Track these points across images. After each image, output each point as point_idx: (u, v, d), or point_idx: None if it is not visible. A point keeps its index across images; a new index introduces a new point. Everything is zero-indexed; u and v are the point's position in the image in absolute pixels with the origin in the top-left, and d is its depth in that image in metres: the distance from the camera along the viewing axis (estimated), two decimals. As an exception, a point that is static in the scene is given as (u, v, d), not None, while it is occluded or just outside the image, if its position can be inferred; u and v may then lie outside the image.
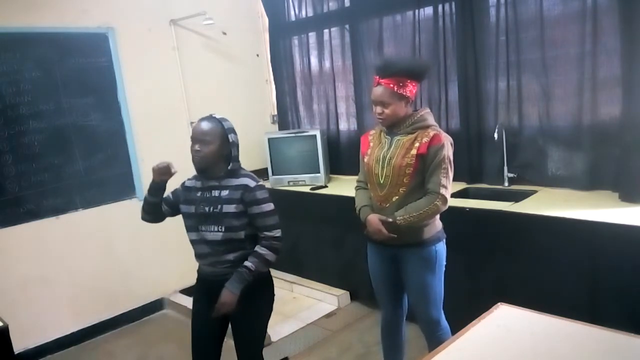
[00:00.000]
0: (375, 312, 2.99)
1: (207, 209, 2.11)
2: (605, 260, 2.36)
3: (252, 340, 2.24)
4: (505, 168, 3.17)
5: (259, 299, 2.20)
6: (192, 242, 2.20)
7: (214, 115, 2.15)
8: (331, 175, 4.26)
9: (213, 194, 2.12)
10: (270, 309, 2.29)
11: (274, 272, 4.76)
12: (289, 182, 4.18)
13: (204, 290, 2.23)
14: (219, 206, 2.09)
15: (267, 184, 4.28)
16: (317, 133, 4.04)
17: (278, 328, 3.50)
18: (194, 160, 2.10)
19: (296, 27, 4.39)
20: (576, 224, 2.44)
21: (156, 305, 3.97)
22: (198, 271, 2.28)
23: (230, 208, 2.08)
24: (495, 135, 3.06)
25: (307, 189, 3.99)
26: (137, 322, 3.85)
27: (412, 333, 2.69)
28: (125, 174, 3.78)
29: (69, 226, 3.52)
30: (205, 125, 2.09)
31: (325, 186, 4.03)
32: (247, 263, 2.08)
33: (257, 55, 4.67)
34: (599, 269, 2.39)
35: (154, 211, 2.32)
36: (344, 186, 3.80)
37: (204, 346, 2.26)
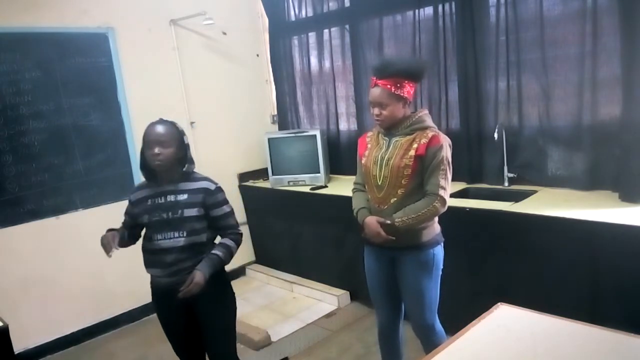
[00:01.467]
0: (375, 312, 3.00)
1: (164, 215, 2.08)
2: (605, 260, 2.36)
3: (224, 341, 2.25)
4: (505, 168, 3.17)
5: (223, 299, 2.23)
6: (145, 252, 2.18)
7: (164, 119, 2.14)
8: (331, 175, 4.26)
9: (169, 199, 2.09)
10: (235, 307, 2.30)
11: (274, 272, 4.79)
12: (289, 182, 4.18)
13: (166, 302, 2.18)
14: (179, 211, 2.07)
15: (267, 184, 4.29)
16: (317, 133, 4.04)
17: (278, 328, 3.50)
18: (153, 164, 2.07)
19: (296, 27, 4.39)
20: (576, 224, 2.44)
21: (156, 305, 3.97)
22: (152, 284, 2.24)
23: (192, 212, 2.07)
24: (495, 135, 3.06)
25: (307, 189, 3.99)
26: (137, 322, 3.85)
27: (411, 334, 2.68)
28: (125, 174, 3.77)
29: (69, 226, 3.52)
30: (162, 129, 2.07)
31: (325, 186, 4.03)
32: (215, 251, 2.10)
33: (257, 55, 4.67)
34: (599, 269, 2.39)
35: (128, 241, 2.27)
36: (344, 186, 3.80)
37: (188, 353, 2.30)
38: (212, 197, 2.11)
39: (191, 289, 2.03)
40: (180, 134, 2.12)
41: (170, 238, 2.08)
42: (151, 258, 2.16)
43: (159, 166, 2.07)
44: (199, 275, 2.04)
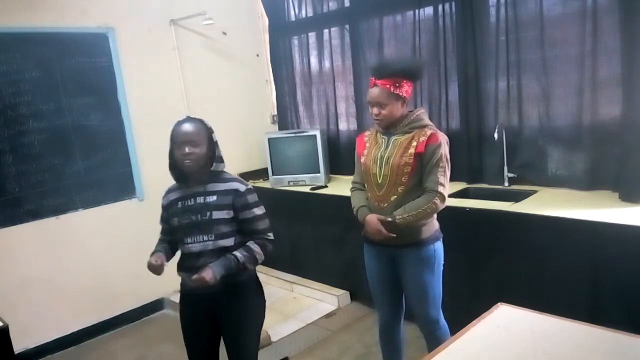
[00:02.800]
0: (375, 312, 3.00)
1: (193, 217, 2.01)
2: (605, 260, 2.36)
3: (244, 352, 2.14)
4: (505, 168, 3.17)
5: (249, 309, 2.12)
6: (182, 256, 2.11)
7: (192, 117, 2.07)
8: (331, 175, 4.26)
9: (198, 201, 2.02)
10: (262, 317, 2.20)
11: (274, 272, 4.77)
12: (289, 182, 4.18)
13: (192, 306, 2.13)
14: (208, 213, 1.99)
15: (267, 184, 4.29)
16: (317, 133, 4.04)
17: (278, 328, 3.50)
18: (184, 164, 1.98)
19: (296, 27, 4.39)
20: (576, 224, 2.44)
21: (156, 305, 3.97)
22: (182, 285, 2.17)
23: (222, 214, 2.00)
24: (495, 135, 3.06)
25: (307, 189, 3.99)
26: (137, 322, 3.85)
27: (411, 333, 2.69)
28: (125, 174, 3.77)
29: (69, 226, 3.52)
30: (191, 127, 1.98)
31: (325, 186, 4.03)
32: (236, 253, 1.99)
33: (257, 55, 4.68)
34: (599, 269, 2.39)
35: (172, 253, 2.18)
36: (344, 186, 3.79)
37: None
38: (242, 199, 2.02)
39: (195, 281, 1.92)
40: (209, 131, 2.04)
41: (200, 242, 2.01)
42: (183, 262, 2.09)
43: (189, 167, 1.98)
44: (208, 272, 1.92)
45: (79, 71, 3.52)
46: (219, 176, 2.07)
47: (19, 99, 3.27)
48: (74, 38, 3.50)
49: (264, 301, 2.22)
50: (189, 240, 2.04)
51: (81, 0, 3.54)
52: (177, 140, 1.99)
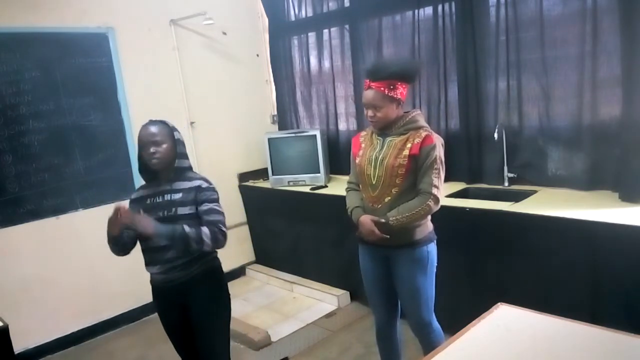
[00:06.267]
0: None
1: (160, 213, 2.10)
2: (605, 260, 2.36)
3: (216, 341, 2.22)
4: (505, 168, 3.17)
5: (217, 299, 2.21)
6: (144, 251, 2.19)
7: (153, 119, 2.16)
8: (331, 175, 4.26)
9: (165, 198, 2.13)
10: (229, 308, 2.28)
11: (274, 272, 4.77)
12: (289, 182, 4.18)
13: (164, 299, 2.23)
14: (173, 209, 2.10)
15: (267, 184, 4.29)
16: (317, 133, 4.04)
17: (278, 328, 3.50)
18: (151, 163, 2.09)
19: (296, 27, 4.39)
20: (576, 224, 2.44)
21: (156, 305, 3.97)
22: (152, 282, 2.26)
23: (185, 210, 2.09)
24: (495, 135, 3.06)
25: (307, 189, 3.99)
26: (137, 322, 3.85)
27: (409, 334, 2.69)
28: (125, 174, 3.77)
29: (69, 226, 3.52)
30: (154, 128, 2.10)
31: (325, 186, 4.03)
32: (184, 226, 2.04)
33: (257, 55, 4.67)
34: (599, 269, 2.39)
35: (123, 245, 2.17)
36: (344, 186, 3.79)
37: (187, 351, 2.29)
38: (202, 194, 2.12)
39: (129, 217, 1.98)
40: (171, 130, 2.14)
41: None
42: (150, 256, 2.18)
43: (157, 164, 2.09)
44: (147, 220, 1.99)
45: (79, 71, 3.52)
46: (186, 175, 2.17)
47: (19, 99, 3.27)
48: (74, 38, 3.50)
49: (228, 293, 2.29)
50: None
51: (81, 0, 3.54)
52: (142, 142, 2.10)
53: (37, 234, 3.40)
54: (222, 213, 2.15)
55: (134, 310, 3.84)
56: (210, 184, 2.19)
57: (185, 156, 2.18)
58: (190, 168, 2.22)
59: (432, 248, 2.29)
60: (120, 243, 2.15)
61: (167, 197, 2.13)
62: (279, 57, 4.55)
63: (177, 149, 2.14)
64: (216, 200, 2.16)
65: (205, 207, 2.11)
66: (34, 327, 3.36)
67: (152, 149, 2.07)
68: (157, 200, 2.13)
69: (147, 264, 2.20)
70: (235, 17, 4.45)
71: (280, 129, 4.69)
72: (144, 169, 2.19)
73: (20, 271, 3.34)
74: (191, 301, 2.17)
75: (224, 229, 2.12)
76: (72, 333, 3.56)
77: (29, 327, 3.30)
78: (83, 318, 3.61)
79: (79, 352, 3.52)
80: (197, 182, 2.14)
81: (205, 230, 2.06)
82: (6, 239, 3.27)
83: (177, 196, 2.11)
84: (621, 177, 2.65)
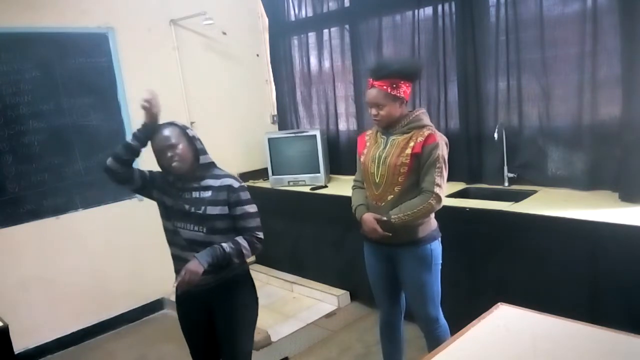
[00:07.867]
0: (375, 312, 3.00)
1: (187, 207, 2.04)
2: (605, 260, 2.36)
3: (237, 349, 2.16)
4: (505, 168, 3.17)
5: (242, 306, 2.14)
6: (174, 258, 2.12)
7: (160, 123, 2.08)
8: (331, 175, 4.26)
9: (194, 195, 2.05)
10: (256, 314, 2.21)
11: (274, 272, 4.77)
12: (289, 182, 4.18)
13: (188, 303, 2.16)
14: (203, 208, 2.02)
15: (267, 184, 4.29)
16: (317, 133, 4.04)
17: (278, 328, 3.50)
18: (172, 167, 2.00)
19: (296, 27, 4.39)
20: (576, 224, 2.44)
21: (156, 305, 3.97)
22: (177, 273, 2.16)
23: (215, 210, 2.02)
24: (495, 135, 3.06)
25: (307, 189, 3.99)
26: (137, 322, 3.85)
27: (411, 333, 2.69)
28: (125, 174, 3.77)
29: (69, 226, 3.52)
30: (165, 132, 2.01)
31: (325, 186, 4.03)
32: (222, 244, 1.99)
33: (257, 55, 4.68)
34: (599, 268, 2.39)
35: (126, 166, 2.09)
36: (344, 186, 3.80)
37: (205, 354, 2.23)
38: (235, 194, 2.04)
39: (185, 278, 1.92)
40: (182, 128, 2.07)
41: (190, 230, 2.04)
42: (178, 264, 2.08)
43: (178, 167, 2.00)
44: (194, 264, 1.92)
45: (79, 71, 3.52)
46: (212, 171, 2.09)
47: (19, 99, 3.27)
48: (74, 38, 3.50)
49: (257, 298, 2.23)
50: (179, 224, 2.07)
51: (81, 0, 3.54)
52: (156, 150, 2.03)
53: (37, 234, 3.40)
54: (256, 215, 2.09)
55: (134, 310, 3.84)
56: (241, 182, 2.10)
57: (205, 152, 2.08)
58: (214, 163, 2.13)
59: (436, 246, 2.30)
60: (124, 166, 2.07)
61: (196, 194, 2.04)
62: (279, 57, 4.56)
63: (196, 145, 2.06)
64: (250, 202, 2.08)
65: (239, 210, 2.04)
66: (34, 327, 3.36)
67: (169, 154, 1.99)
68: (187, 196, 2.05)
69: (177, 271, 2.10)
70: (235, 17, 4.45)
71: (280, 129, 4.69)
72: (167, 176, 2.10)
73: (20, 271, 3.33)
74: (218, 306, 2.11)
75: (260, 235, 2.08)
76: (72, 333, 3.56)
77: (29, 327, 3.30)
78: (83, 318, 3.61)
79: (79, 352, 3.52)
80: (227, 181, 2.05)
81: (242, 242, 2.02)
82: (6, 239, 3.27)
83: (207, 194, 2.03)
84: (621, 177, 2.65)
